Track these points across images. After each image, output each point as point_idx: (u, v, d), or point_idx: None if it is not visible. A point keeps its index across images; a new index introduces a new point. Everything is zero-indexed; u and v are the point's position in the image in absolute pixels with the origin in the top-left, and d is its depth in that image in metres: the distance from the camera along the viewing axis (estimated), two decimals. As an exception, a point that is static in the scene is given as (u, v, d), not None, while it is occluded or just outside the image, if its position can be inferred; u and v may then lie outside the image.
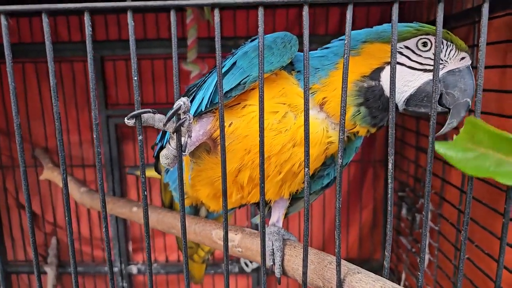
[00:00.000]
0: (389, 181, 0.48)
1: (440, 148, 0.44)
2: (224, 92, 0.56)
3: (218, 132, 0.62)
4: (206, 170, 0.67)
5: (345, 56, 0.45)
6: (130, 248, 1.69)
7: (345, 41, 0.45)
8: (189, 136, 0.51)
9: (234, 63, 0.59)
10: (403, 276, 1.41)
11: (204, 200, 0.76)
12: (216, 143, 0.64)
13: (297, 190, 0.71)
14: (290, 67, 0.63)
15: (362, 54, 0.59)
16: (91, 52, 0.46)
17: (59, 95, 1.75)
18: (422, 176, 1.30)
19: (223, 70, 0.59)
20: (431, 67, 0.57)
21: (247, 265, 1.64)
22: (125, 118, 0.48)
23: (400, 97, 0.58)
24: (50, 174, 1.32)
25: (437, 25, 0.44)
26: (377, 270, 1.66)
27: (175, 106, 0.48)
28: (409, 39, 0.57)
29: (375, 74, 0.58)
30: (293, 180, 0.67)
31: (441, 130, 0.59)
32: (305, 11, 0.45)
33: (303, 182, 0.58)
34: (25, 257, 1.67)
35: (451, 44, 0.57)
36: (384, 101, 0.58)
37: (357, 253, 1.68)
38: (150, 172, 0.98)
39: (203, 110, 0.60)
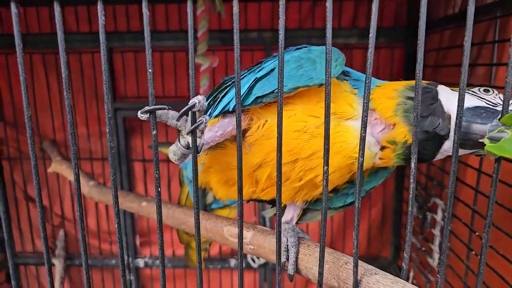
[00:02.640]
0: (411, 180, 0.46)
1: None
2: (255, 97, 0.55)
3: (248, 131, 0.60)
4: (226, 155, 0.65)
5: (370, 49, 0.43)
6: (138, 242, 1.70)
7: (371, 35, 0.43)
8: (201, 137, 0.49)
9: (273, 69, 0.57)
10: (412, 274, 1.40)
11: (214, 186, 0.74)
12: (244, 139, 0.61)
13: (312, 199, 0.69)
14: (341, 76, 0.62)
15: None
16: (104, 43, 0.45)
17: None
18: (434, 174, 1.27)
19: (261, 73, 0.58)
20: (486, 100, 0.54)
21: (253, 261, 1.64)
22: (139, 112, 0.46)
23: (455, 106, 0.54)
24: (59, 167, 1.32)
25: (468, 19, 0.42)
26: (385, 267, 1.65)
27: (190, 103, 0.46)
28: None
29: (434, 84, 0.57)
30: (311, 190, 0.65)
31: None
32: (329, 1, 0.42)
33: (321, 194, 0.57)
34: (33, 249, 1.69)
35: None
36: (438, 106, 0.54)
37: (365, 251, 1.66)
38: (165, 150, 1.00)
39: (230, 110, 0.58)
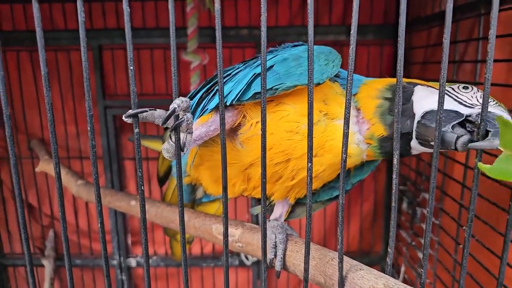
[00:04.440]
0: (394, 176, 0.47)
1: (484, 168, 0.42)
2: (253, 93, 0.56)
3: (241, 128, 0.60)
4: (215, 152, 0.65)
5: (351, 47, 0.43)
6: (129, 241, 1.69)
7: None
8: (189, 133, 0.49)
9: (272, 66, 0.57)
10: (402, 269, 1.41)
11: (205, 182, 0.74)
12: (236, 135, 0.61)
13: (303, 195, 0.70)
14: (333, 77, 0.62)
15: None
16: (85, 40, 0.44)
17: (55, 85, 1.70)
18: (423, 170, 1.28)
19: (259, 69, 0.58)
20: (461, 100, 0.54)
21: (247, 258, 1.64)
22: (123, 116, 0.46)
23: (421, 107, 0.55)
24: (46, 166, 1.30)
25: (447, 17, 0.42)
26: (377, 262, 1.67)
27: (171, 108, 0.46)
28: None
29: (413, 84, 0.58)
30: (303, 188, 0.66)
31: (483, 143, 0.51)
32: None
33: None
34: (22, 250, 1.67)
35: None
36: (409, 107, 0.55)
37: (357, 246, 1.68)
38: (152, 144, 0.97)
39: (227, 104, 0.58)
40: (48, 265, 1.59)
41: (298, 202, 0.76)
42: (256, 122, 0.59)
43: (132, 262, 1.67)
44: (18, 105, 1.52)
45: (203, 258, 1.67)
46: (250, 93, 0.56)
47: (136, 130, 0.46)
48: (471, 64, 1.04)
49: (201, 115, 0.61)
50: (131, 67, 0.44)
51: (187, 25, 1.25)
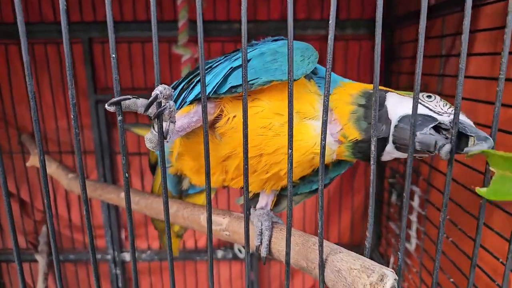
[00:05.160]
0: (371, 178, 0.48)
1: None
2: (229, 86, 0.56)
3: (219, 121, 0.61)
4: (199, 143, 0.66)
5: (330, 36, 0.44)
6: (123, 236, 1.70)
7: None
8: (172, 122, 0.50)
9: (249, 60, 0.58)
10: (392, 259, 1.44)
11: (188, 173, 0.75)
12: (214, 128, 0.63)
13: (282, 187, 0.71)
14: (310, 74, 0.62)
15: None
16: (66, 28, 0.45)
17: (45, 79, 1.69)
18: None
19: (237, 62, 0.58)
20: (430, 107, 0.55)
21: (240, 251, 1.66)
22: (106, 105, 0.47)
23: (396, 113, 0.56)
24: (37, 160, 1.30)
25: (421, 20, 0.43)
26: (367, 254, 1.69)
27: (153, 94, 0.47)
28: None
29: (384, 91, 0.60)
30: (277, 181, 0.67)
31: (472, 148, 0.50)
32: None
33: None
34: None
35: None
36: (383, 113, 0.56)
37: (348, 238, 1.70)
38: (144, 132, 0.97)
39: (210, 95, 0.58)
40: (41, 260, 1.59)
41: (282, 194, 0.77)
42: (233, 117, 0.60)
43: (126, 256, 1.68)
44: (8, 100, 1.51)
45: (197, 252, 1.69)
46: (226, 87, 0.57)
47: (120, 118, 0.47)
48: (458, 58, 1.05)
49: (181, 107, 0.61)
50: (113, 55, 0.45)
51: (177, 18, 1.25)
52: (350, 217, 1.69)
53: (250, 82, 0.56)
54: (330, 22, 0.43)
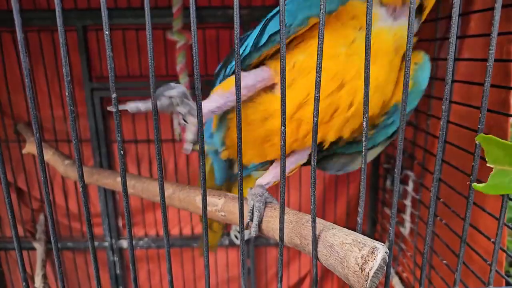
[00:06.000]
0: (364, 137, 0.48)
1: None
2: (269, 35, 0.54)
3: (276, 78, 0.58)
4: (250, 114, 0.63)
5: None
6: (120, 223, 1.71)
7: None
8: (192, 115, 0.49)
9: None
10: (387, 244, 1.46)
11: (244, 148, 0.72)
12: (274, 86, 0.59)
13: (355, 138, 0.66)
14: None
15: None
16: (61, 16, 0.44)
17: (40, 68, 1.67)
18: (405, 147, 1.32)
19: (272, 13, 0.56)
20: None
21: (237, 238, 1.67)
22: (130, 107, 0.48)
23: None
24: (34, 147, 1.30)
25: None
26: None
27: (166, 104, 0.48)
28: None
29: None
30: (359, 117, 0.60)
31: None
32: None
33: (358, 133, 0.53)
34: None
35: None
36: None
37: (345, 225, 1.70)
38: None
39: (247, 55, 0.57)
40: (39, 247, 1.60)
41: (337, 153, 0.70)
42: (294, 63, 0.57)
43: (124, 243, 1.70)
44: (3, 88, 1.50)
45: (194, 239, 1.70)
46: (265, 37, 0.55)
47: (114, 95, 0.47)
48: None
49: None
50: (107, 32, 0.45)
51: (172, 4, 1.24)
52: (346, 204, 1.70)
53: (288, 24, 0.54)
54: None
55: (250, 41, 0.58)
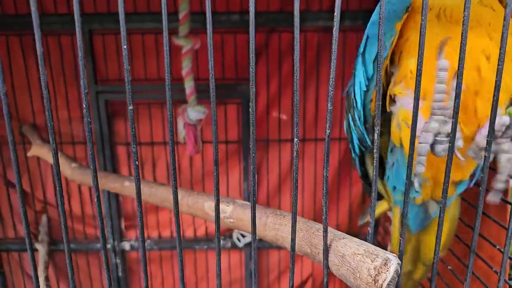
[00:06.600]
0: (376, 136, 0.49)
1: None
2: (372, 62, 0.55)
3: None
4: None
5: None
6: (123, 225, 1.71)
7: None
8: None
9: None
10: (389, 247, 1.48)
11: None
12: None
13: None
14: None
15: None
16: (78, 11, 0.45)
17: (46, 70, 1.67)
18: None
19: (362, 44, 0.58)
20: None
21: (239, 240, 1.68)
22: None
23: None
24: (39, 150, 1.31)
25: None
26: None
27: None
28: None
29: None
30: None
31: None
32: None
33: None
34: (15, 235, 1.68)
35: None
36: None
37: (347, 228, 1.73)
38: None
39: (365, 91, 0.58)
40: (42, 249, 1.61)
41: None
42: (410, 71, 0.56)
43: (126, 245, 1.70)
44: (9, 90, 1.50)
45: (196, 241, 1.71)
46: (369, 65, 0.56)
47: (131, 107, 0.48)
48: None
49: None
50: (125, 46, 0.45)
51: (178, 10, 1.24)
52: (348, 207, 1.72)
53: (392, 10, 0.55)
54: (335, 13, 0.44)
55: (359, 78, 0.58)
